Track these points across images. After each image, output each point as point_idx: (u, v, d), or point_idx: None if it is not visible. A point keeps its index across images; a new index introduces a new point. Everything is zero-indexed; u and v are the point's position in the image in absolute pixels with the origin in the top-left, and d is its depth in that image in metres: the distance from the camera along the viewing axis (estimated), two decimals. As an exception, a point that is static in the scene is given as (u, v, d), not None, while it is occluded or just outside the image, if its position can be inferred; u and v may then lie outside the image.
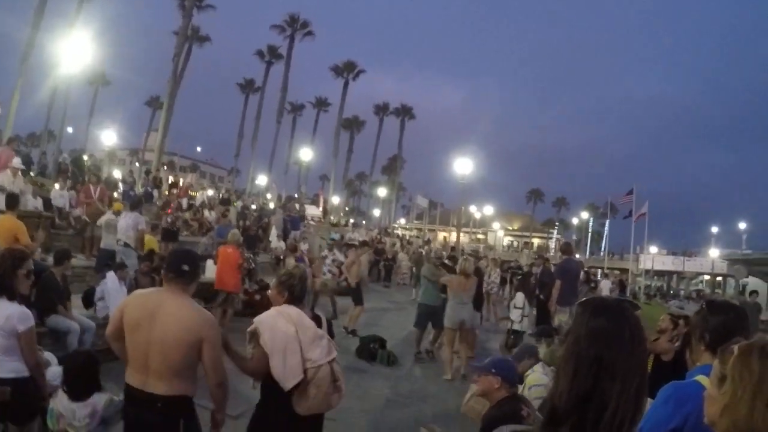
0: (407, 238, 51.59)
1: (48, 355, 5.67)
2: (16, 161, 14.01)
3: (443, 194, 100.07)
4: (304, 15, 54.86)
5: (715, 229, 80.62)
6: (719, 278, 70.71)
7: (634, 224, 42.62)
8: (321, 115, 70.22)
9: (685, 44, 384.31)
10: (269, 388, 4.21)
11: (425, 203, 63.83)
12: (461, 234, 45.18)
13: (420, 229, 76.01)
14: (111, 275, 9.67)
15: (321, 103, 70.31)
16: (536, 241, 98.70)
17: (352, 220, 59.55)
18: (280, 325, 4.15)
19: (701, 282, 76.79)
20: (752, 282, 34.48)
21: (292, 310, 4.29)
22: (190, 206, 24.77)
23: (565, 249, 14.09)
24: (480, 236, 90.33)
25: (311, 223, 36.07)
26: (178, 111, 42.24)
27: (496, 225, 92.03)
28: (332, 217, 48.80)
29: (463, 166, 32.45)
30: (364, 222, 69.02)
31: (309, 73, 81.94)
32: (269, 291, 4.65)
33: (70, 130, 57.90)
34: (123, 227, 12.12)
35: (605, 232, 78.17)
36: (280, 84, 54.73)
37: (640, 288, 47.71)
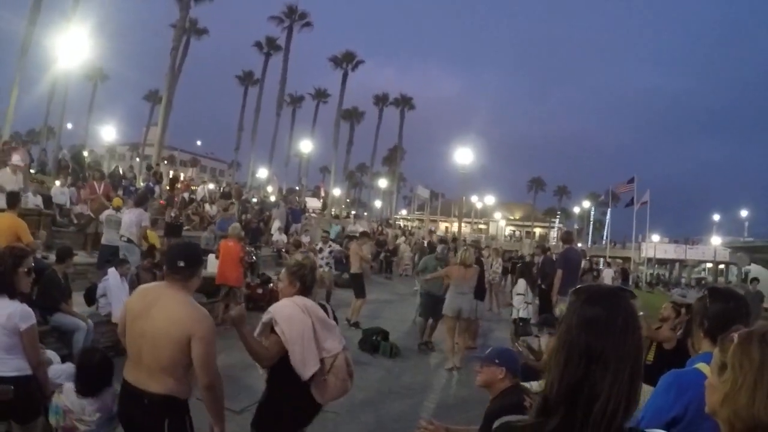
0: (409, 228, 51.57)
1: (50, 354, 5.69)
2: (15, 158, 14.00)
3: (444, 184, 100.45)
4: (302, 6, 54.73)
5: (717, 217, 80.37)
6: (721, 266, 70.68)
7: (635, 213, 42.66)
8: (321, 107, 70.11)
9: (683, 33, 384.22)
10: (279, 378, 4.22)
11: (426, 194, 63.79)
12: (463, 224, 45.08)
13: (422, 220, 75.91)
14: (112, 272, 9.65)
15: (320, 95, 70.12)
16: (538, 231, 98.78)
17: (353, 212, 59.52)
18: (297, 315, 4.18)
19: (704, 270, 76.76)
20: (754, 269, 34.38)
21: (306, 301, 4.33)
22: (191, 200, 24.77)
23: (566, 238, 14.03)
24: (482, 226, 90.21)
25: (312, 215, 36.06)
26: (177, 105, 42.28)
27: (497, 215, 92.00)
28: (333, 210, 48.79)
29: (464, 156, 32.39)
30: (365, 213, 69.08)
31: (308, 65, 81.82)
32: (279, 283, 4.66)
33: (69, 126, 57.97)
34: (127, 223, 12.11)
35: (607, 221, 78.07)
36: (279, 76, 54.61)
37: (642, 276, 47.75)
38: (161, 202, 21.55)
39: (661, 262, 70.28)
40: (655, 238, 69.18)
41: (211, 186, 33.88)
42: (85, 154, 27.61)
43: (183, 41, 43.17)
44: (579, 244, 49.39)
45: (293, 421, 4.34)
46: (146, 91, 72.19)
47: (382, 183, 77.29)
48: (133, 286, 9.21)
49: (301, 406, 4.28)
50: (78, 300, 9.53)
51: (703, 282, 60.23)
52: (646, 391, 5.06)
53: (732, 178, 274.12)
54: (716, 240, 72.73)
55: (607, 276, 28.11)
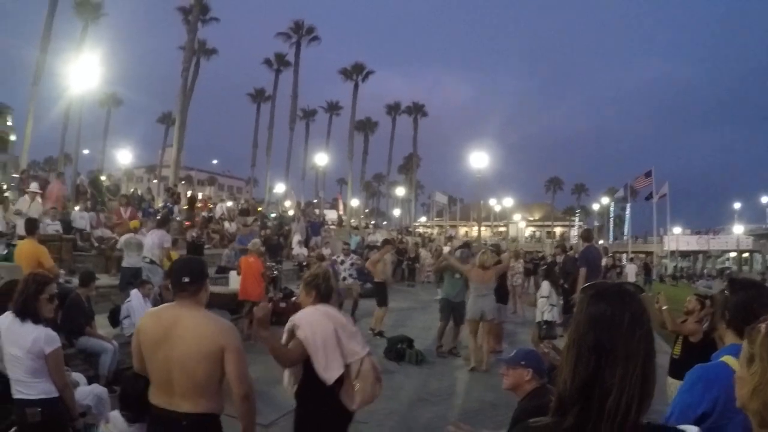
0: (429, 236, 51.49)
1: (76, 376, 5.73)
2: (33, 186, 14.18)
3: (462, 189, 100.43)
4: (309, 20, 54.93)
5: (737, 205, 79.18)
6: (746, 254, 70.02)
7: (655, 206, 42.36)
8: (333, 119, 70.00)
9: (693, 22, 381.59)
10: (308, 390, 4.26)
11: (444, 200, 63.82)
12: (482, 228, 44.97)
13: (441, 226, 75.78)
14: (135, 293, 9.73)
15: (332, 107, 70.13)
16: (558, 230, 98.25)
17: (373, 222, 59.54)
18: (320, 322, 4.24)
19: (727, 260, 76.04)
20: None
21: (327, 308, 4.40)
22: (210, 219, 24.91)
23: (586, 236, 13.91)
24: (501, 229, 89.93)
25: (331, 227, 36.10)
26: (191, 125, 42.47)
27: (516, 216, 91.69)
28: (353, 221, 48.79)
29: (479, 159, 32.46)
30: (384, 223, 69.09)
31: (318, 78, 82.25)
32: (298, 295, 4.70)
33: (86, 151, 58.57)
34: (149, 244, 12.18)
35: (626, 216, 77.48)
36: (291, 91, 54.79)
37: (665, 270, 47.37)
38: (186, 222, 21.69)
39: (684, 255, 69.80)
40: (677, 230, 68.69)
41: (230, 203, 34.00)
42: (103, 178, 27.87)
43: (193, 62, 43.43)
44: (600, 241, 49.20)
45: (330, 429, 4.35)
46: (160, 113, 72.57)
47: (400, 191, 77.24)
48: (156, 306, 9.27)
49: (334, 415, 4.29)
50: (102, 322, 9.62)
51: (727, 272, 59.73)
52: (672, 384, 5.00)
53: (751, 164, 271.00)
54: (738, 228, 72.11)
55: (631, 272, 27.98)
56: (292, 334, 4.24)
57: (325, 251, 21.50)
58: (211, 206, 29.09)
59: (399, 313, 16.13)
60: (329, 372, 4.13)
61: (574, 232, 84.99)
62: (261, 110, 62.37)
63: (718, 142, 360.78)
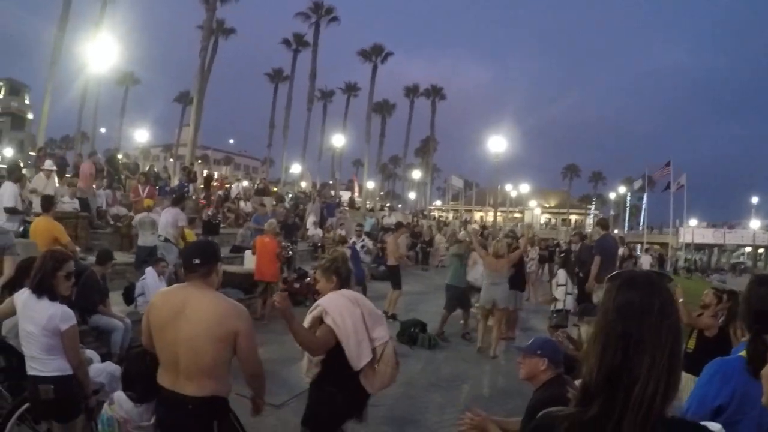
0: (443, 219, 51.41)
1: (90, 353, 5.75)
2: (48, 163, 14.24)
3: (478, 174, 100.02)
4: (328, 1, 54.65)
5: (755, 200, 77.99)
6: (761, 250, 69.44)
7: (672, 197, 42.12)
8: (351, 101, 69.63)
9: (715, 12, 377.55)
10: (330, 370, 4.25)
11: (460, 184, 63.74)
12: (498, 213, 44.86)
13: (456, 210, 75.79)
14: (150, 271, 9.79)
15: (351, 89, 69.82)
16: (574, 218, 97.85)
17: (388, 204, 59.57)
18: (348, 308, 4.22)
19: (743, 254, 75.46)
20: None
21: (353, 293, 4.40)
22: (227, 197, 24.98)
23: (603, 225, 13.86)
24: (517, 215, 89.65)
25: (346, 208, 36.12)
26: (208, 105, 42.48)
27: (532, 203, 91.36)
28: (368, 203, 48.75)
29: (497, 144, 32.33)
30: (399, 205, 69.05)
31: (337, 59, 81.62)
32: (317, 283, 4.65)
33: (103, 130, 58.86)
34: (164, 223, 12.22)
35: (643, 206, 76.99)
36: (309, 72, 54.56)
37: (678, 261, 47.09)
38: (201, 201, 21.77)
39: (699, 247, 69.15)
40: (693, 222, 68.12)
41: (245, 183, 34.07)
42: (120, 156, 27.96)
43: (211, 42, 43.32)
44: (616, 231, 49.00)
45: (346, 412, 4.37)
46: (177, 92, 72.53)
47: (416, 174, 77.06)
48: (171, 284, 9.32)
49: (352, 398, 4.30)
50: (116, 299, 9.67)
51: (742, 266, 59.33)
52: (687, 379, 4.98)
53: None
54: (755, 223, 71.38)
55: (645, 263, 27.90)
56: (319, 319, 4.21)
57: (341, 232, 21.54)
58: (228, 186, 29.15)
59: (412, 296, 16.14)
60: (361, 359, 4.14)
61: (590, 221, 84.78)
62: (278, 90, 62.34)
63: (737, 133, 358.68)
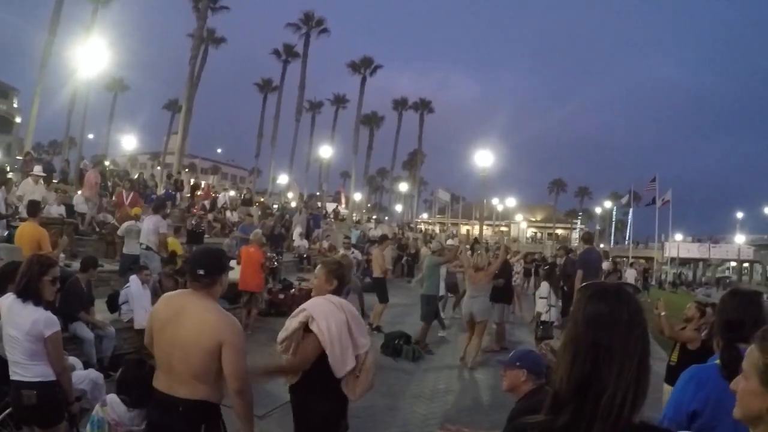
0: (430, 232, 51.42)
1: (73, 360, 5.73)
2: (37, 169, 14.20)
3: (465, 187, 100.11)
4: (319, 12, 54.83)
5: (740, 215, 78.86)
6: (746, 264, 69.91)
7: (657, 212, 42.35)
8: (340, 112, 69.75)
9: (701, 28, 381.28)
10: (311, 381, 4.21)
11: (447, 197, 63.67)
12: (484, 227, 44.91)
13: (443, 223, 75.70)
14: (134, 279, 9.75)
15: (339, 100, 69.93)
16: (560, 232, 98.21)
17: (374, 217, 59.59)
18: (333, 313, 4.21)
19: (728, 269, 75.97)
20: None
21: (338, 298, 4.38)
22: (213, 207, 24.91)
23: (587, 239, 13.96)
24: (503, 228, 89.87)
25: (332, 220, 36.07)
26: (197, 113, 42.50)
27: (518, 217, 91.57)
28: (354, 215, 48.70)
29: (484, 158, 32.35)
30: (386, 218, 69.03)
31: (326, 71, 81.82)
32: (314, 279, 4.65)
33: (90, 136, 58.57)
34: (145, 230, 12.18)
35: (629, 221, 77.44)
36: (298, 82, 54.64)
37: (663, 276, 47.29)
38: (193, 210, 21.70)
39: (685, 262, 69.64)
40: (678, 237, 68.51)
41: (232, 193, 34.01)
42: (107, 163, 27.85)
43: (201, 50, 43.37)
44: (601, 245, 49.16)
45: (335, 422, 4.34)
46: (166, 100, 72.41)
47: (403, 187, 77.24)
48: (155, 293, 9.32)
49: (335, 406, 4.28)
50: (101, 307, 9.61)
51: (727, 281, 59.67)
52: (668, 391, 5.01)
53: (755, 174, 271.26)
54: (740, 238, 71.95)
55: (630, 277, 27.98)
56: (304, 324, 4.20)
57: (325, 244, 21.51)
58: (215, 195, 29.10)
59: (397, 308, 16.11)
60: (345, 366, 4.13)
61: (576, 235, 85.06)
62: (267, 101, 62.39)
63: (723, 150, 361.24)
